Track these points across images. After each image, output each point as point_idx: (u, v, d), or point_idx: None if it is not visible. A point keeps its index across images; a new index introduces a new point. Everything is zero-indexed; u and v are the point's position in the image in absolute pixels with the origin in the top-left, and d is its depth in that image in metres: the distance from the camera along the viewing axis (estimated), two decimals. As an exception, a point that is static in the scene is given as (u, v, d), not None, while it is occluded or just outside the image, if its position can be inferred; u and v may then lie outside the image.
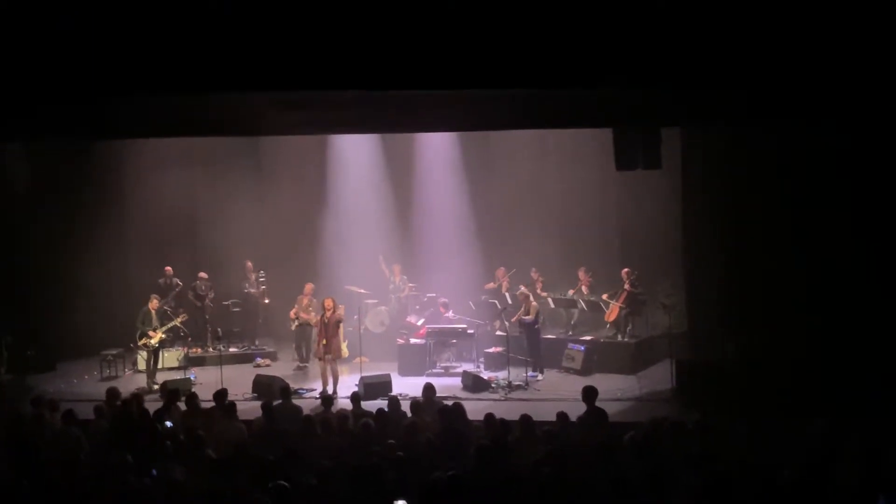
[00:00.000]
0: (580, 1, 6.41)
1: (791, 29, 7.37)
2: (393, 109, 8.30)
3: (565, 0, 6.36)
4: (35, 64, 7.06)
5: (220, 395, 10.40)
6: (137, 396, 10.95)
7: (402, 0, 5.67)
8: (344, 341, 14.94)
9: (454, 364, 14.85)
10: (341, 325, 13.92)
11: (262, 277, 16.68)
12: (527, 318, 14.48)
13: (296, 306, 15.31)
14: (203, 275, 16.44)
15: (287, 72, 6.37)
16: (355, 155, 17.46)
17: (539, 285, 15.83)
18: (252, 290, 16.63)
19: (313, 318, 14.81)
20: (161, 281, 15.93)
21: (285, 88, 6.70)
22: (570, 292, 15.67)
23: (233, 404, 10.00)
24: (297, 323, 15.30)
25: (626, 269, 15.04)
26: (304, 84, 6.52)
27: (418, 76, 6.31)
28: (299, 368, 15.17)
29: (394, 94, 6.98)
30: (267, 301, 16.69)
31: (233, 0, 6.17)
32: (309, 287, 15.46)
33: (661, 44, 7.17)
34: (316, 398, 12.58)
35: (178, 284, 16.03)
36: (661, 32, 7.15)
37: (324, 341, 13.46)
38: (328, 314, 13.58)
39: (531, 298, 14.72)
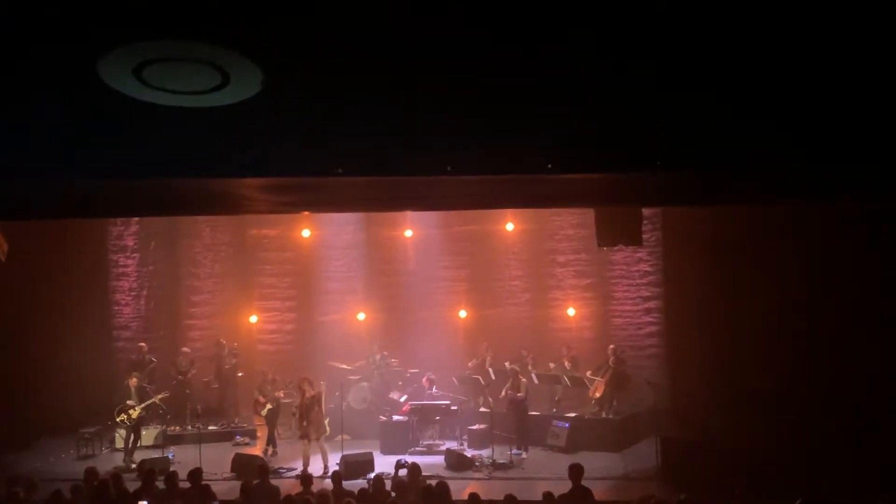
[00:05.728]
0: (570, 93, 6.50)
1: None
2: (383, 192, 8.36)
3: (551, 92, 6.45)
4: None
5: (194, 474, 10.25)
6: (116, 476, 10.74)
7: (399, 90, 5.75)
8: (326, 418, 14.71)
9: (437, 442, 14.65)
10: (322, 401, 13.72)
11: (234, 351, 16.53)
12: (519, 395, 14.35)
13: (257, 391, 15.04)
14: (186, 350, 16.34)
15: (279, 161, 6.42)
16: (340, 228, 17.54)
17: (529, 362, 15.74)
18: (228, 366, 16.40)
19: (283, 394, 14.69)
20: (134, 357, 15.69)
21: (278, 175, 6.75)
22: (552, 366, 15.62)
23: (206, 485, 9.94)
24: (268, 407, 14.79)
25: (612, 346, 15.00)
26: (297, 171, 6.57)
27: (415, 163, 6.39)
28: (273, 455, 14.37)
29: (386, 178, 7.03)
30: (241, 374, 16.48)
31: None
32: (268, 370, 15.35)
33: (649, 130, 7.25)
34: (295, 478, 12.36)
35: (151, 361, 15.74)
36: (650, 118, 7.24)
37: (304, 422, 13.23)
38: (308, 394, 13.33)
39: (520, 374, 14.61)
